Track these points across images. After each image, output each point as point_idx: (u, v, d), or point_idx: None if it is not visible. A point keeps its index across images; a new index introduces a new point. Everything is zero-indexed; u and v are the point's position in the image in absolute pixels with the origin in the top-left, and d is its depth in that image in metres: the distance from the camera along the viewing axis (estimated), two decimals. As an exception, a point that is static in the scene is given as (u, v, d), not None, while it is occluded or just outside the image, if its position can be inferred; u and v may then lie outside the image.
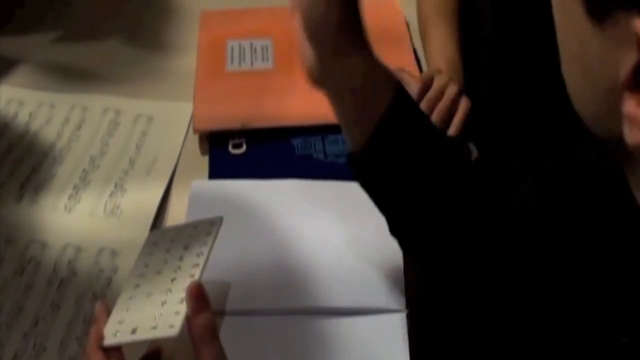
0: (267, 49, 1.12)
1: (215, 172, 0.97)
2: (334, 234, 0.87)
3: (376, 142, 0.67)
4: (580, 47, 0.46)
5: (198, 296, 0.67)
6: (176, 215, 0.91)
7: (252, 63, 1.10)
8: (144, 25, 1.18)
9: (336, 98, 0.68)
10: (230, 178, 0.95)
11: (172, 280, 0.72)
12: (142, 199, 0.93)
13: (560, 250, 0.64)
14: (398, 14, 1.18)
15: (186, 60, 1.10)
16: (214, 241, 0.74)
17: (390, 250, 0.83)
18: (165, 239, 0.78)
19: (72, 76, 1.10)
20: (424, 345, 0.81)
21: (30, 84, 1.08)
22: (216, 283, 0.83)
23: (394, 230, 0.73)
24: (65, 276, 0.85)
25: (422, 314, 0.82)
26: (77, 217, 0.91)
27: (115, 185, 0.95)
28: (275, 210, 0.90)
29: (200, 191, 0.93)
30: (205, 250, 0.73)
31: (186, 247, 0.75)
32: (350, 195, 0.90)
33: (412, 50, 1.12)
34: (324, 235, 0.87)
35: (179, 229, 0.79)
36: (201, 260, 0.72)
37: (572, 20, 0.46)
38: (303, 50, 0.67)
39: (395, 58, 1.06)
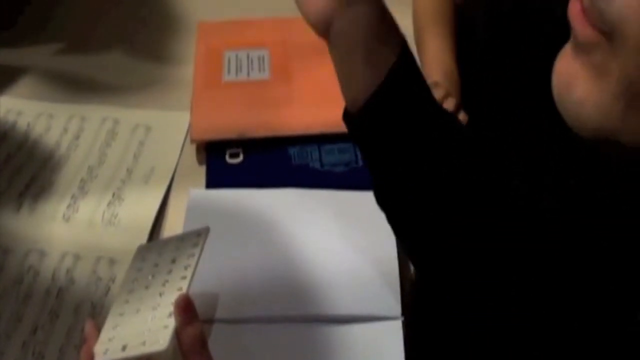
0: (263, 59, 1.13)
1: (213, 182, 0.97)
2: (329, 242, 0.88)
3: (380, 98, 0.65)
4: None
5: (186, 309, 0.68)
6: (174, 224, 0.92)
7: (248, 73, 1.11)
8: (141, 36, 1.18)
9: (343, 50, 0.66)
10: (227, 187, 0.96)
11: (160, 295, 0.72)
12: (140, 208, 0.94)
13: (553, 252, 0.65)
14: None
15: (183, 71, 1.11)
16: (201, 252, 0.75)
17: (386, 257, 0.84)
18: (153, 253, 0.79)
19: (70, 86, 1.10)
20: (420, 353, 0.81)
21: (28, 94, 1.09)
22: (212, 292, 0.83)
23: (381, 196, 0.72)
24: (64, 285, 0.86)
25: (418, 322, 0.83)
26: (75, 226, 0.92)
27: (113, 195, 0.96)
28: (272, 219, 0.91)
29: (198, 200, 0.94)
30: (193, 262, 0.74)
31: (174, 261, 0.76)
32: (347, 204, 0.91)
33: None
34: (320, 243, 0.88)
35: (167, 242, 0.80)
36: (189, 273, 0.73)
37: None
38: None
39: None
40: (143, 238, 0.90)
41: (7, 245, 0.89)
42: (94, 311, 0.83)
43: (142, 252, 0.80)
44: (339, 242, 0.88)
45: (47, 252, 0.89)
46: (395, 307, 0.82)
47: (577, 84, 0.51)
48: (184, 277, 0.72)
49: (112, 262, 0.88)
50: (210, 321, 0.81)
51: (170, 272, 0.74)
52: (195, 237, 0.77)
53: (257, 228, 0.90)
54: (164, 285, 0.73)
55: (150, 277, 0.75)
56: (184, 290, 0.71)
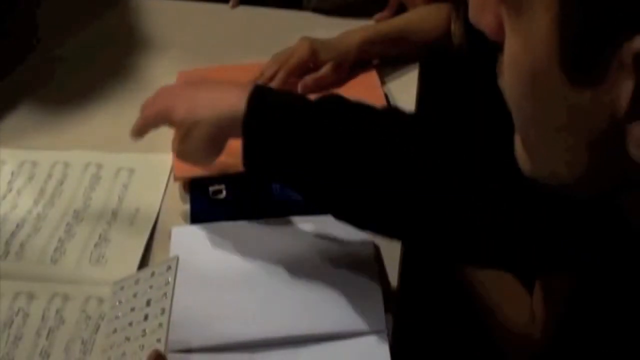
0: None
1: (197, 219, 0.99)
2: (311, 263, 0.90)
3: None
4: (569, 112, 0.46)
5: None
6: (160, 261, 0.93)
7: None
8: (121, 84, 1.21)
9: None
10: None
11: (141, 348, 0.74)
12: (126, 248, 0.95)
13: None
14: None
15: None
16: (173, 290, 0.77)
17: (367, 274, 0.86)
18: (127, 294, 0.81)
19: (52, 133, 1.12)
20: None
21: (10, 143, 1.10)
22: (198, 321, 0.84)
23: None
24: (54, 325, 0.87)
25: (403, 333, 0.83)
26: (63, 268, 0.93)
27: (100, 236, 0.97)
28: (255, 247, 0.92)
29: (181, 236, 0.95)
30: (167, 304, 0.76)
31: (148, 303, 0.78)
32: (327, 228, 0.93)
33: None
34: (302, 265, 0.89)
35: (138, 279, 0.82)
36: (165, 319, 0.75)
37: (553, 92, 0.45)
38: None
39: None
40: (130, 275, 0.91)
41: (-5, 290, 0.90)
42: (85, 348, 0.84)
43: (117, 296, 0.82)
44: (321, 263, 0.89)
45: (36, 295, 0.90)
46: (380, 321, 0.83)
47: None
48: (161, 325, 0.75)
49: (100, 300, 0.89)
50: (196, 350, 0.82)
51: (146, 318, 0.77)
52: (166, 271, 0.79)
53: (239, 256, 0.91)
54: (143, 336, 0.76)
55: (128, 327, 0.78)
56: (163, 340, 0.73)
